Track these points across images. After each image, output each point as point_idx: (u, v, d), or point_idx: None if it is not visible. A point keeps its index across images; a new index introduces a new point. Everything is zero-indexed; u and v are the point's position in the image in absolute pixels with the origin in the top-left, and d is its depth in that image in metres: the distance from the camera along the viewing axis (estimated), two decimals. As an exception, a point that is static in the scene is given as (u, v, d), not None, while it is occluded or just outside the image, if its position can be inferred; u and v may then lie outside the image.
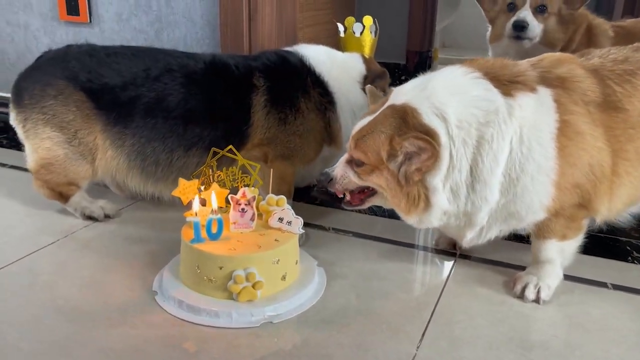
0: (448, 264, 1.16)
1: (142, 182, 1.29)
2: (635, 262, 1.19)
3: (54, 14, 1.81)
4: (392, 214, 1.37)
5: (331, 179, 1.07)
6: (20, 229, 1.27)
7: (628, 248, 1.25)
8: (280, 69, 1.30)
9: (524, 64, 1.04)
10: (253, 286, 0.95)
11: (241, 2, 1.52)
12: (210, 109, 1.26)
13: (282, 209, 1.05)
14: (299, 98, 1.29)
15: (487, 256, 1.20)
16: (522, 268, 1.15)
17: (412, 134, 0.94)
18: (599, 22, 1.64)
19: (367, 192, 1.07)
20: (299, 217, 1.04)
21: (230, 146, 1.12)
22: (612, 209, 1.06)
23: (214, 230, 0.99)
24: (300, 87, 1.30)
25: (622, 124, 1.00)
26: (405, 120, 0.97)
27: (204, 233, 0.99)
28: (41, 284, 1.06)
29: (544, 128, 0.96)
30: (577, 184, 0.98)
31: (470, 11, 4.58)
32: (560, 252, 1.05)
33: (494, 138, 0.95)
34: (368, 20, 1.66)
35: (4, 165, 1.67)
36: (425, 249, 1.23)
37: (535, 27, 1.55)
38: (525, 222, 1.02)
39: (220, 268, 0.95)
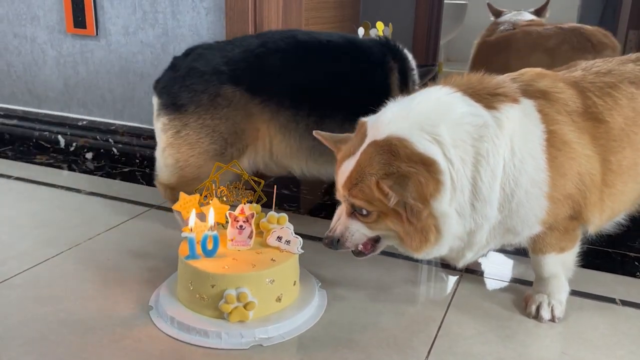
0: (454, 279, 1.15)
1: (307, 161, 1.29)
2: (644, 277, 1.18)
3: (60, 27, 1.82)
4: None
5: (338, 241, 0.98)
6: (25, 241, 1.27)
7: (636, 264, 1.24)
8: (397, 52, 1.38)
9: (503, 77, 1.02)
10: (245, 307, 0.93)
11: (247, 16, 1.53)
12: (357, 91, 1.27)
13: (281, 227, 1.03)
14: (408, 80, 1.37)
15: (493, 271, 1.19)
16: (529, 283, 1.14)
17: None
18: None
19: (374, 237, 1.00)
20: (298, 237, 1.02)
21: (235, 161, 1.12)
22: (604, 218, 1.04)
23: (210, 246, 0.98)
24: (407, 70, 1.38)
25: (604, 134, 0.99)
26: (396, 154, 0.91)
27: (199, 249, 0.97)
28: (45, 296, 1.05)
29: (534, 139, 0.94)
30: (568, 195, 0.96)
31: (474, 25, 4.61)
32: (562, 265, 1.04)
33: (489, 153, 0.92)
34: (380, 25, 1.70)
35: (8, 177, 1.68)
36: (430, 263, 1.22)
37: None
38: (522, 237, 1.00)
39: (212, 286, 0.94)
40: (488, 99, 0.96)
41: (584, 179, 0.96)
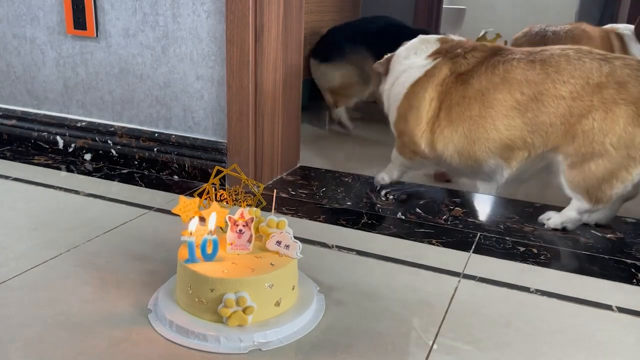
0: (452, 284, 1.16)
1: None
2: (640, 284, 1.19)
3: (60, 28, 1.82)
4: (396, 233, 1.37)
5: None
6: (23, 243, 1.27)
7: (633, 270, 1.25)
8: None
9: (459, 44, 1.53)
10: (244, 311, 0.93)
11: (247, 20, 1.53)
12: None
13: (280, 231, 1.03)
14: None
15: (491, 277, 1.19)
16: (527, 289, 1.14)
17: None
18: None
19: None
20: (297, 241, 1.02)
21: (235, 165, 1.12)
22: (436, 152, 1.49)
23: (209, 250, 0.98)
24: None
25: (460, 92, 1.43)
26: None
27: (198, 253, 0.98)
28: (43, 299, 1.05)
29: (408, 80, 1.51)
30: (405, 116, 1.51)
31: (471, 29, 4.63)
32: (395, 159, 1.64)
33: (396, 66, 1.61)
34: (498, 35, 2.12)
35: (7, 177, 1.67)
36: (428, 268, 1.22)
37: None
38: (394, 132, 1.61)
39: (212, 290, 0.94)
40: (438, 51, 1.53)
41: (420, 107, 1.47)
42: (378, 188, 1.67)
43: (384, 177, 1.67)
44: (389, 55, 1.67)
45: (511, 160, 1.42)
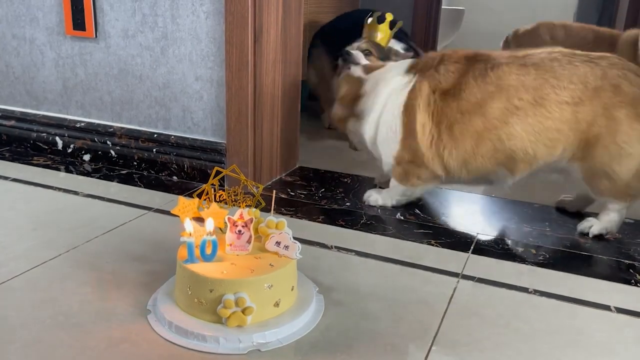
0: (451, 285, 1.16)
1: None
2: (639, 285, 1.19)
3: (60, 29, 1.82)
4: (395, 234, 1.37)
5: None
6: (22, 243, 1.27)
7: (631, 271, 1.25)
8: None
9: (431, 58, 1.45)
10: (243, 311, 0.93)
11: (247, 21, 1.53)
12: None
13: (280, 232, 1.03)
14: None
15: (490, 277, 1.19)
16: (526, 289, 1.15)
17: None
18: None
19: None
20: (297, 242, 1.02)
21: (234, 166, 1.12)
22: (451, 172, 1.43)
23: (208, 251, 0.98)
24: None
25: (455, 108, 1.36)
26: None
27: (197, 254, 0.98)
28: (42, 299, 1.05)
29: (397, 106, 1.43)
30: (409, 146, 1.42)
31: (470, 31, 4.64)
32: (395, 187, 1.53)
33: (379, 93, 1.50)
34: (389, 16, 2.04)
35: (6, 178, 1.67)
36: (427, 268, 1.23)
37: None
38: (384, 163, 1.52)
39: (211, 291, 0.94)
40: (413, 66, 1.47)
41: (424, 137, 1.39)
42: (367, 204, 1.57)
43: (378, 199, 1.56)
44: (364, 69, 1.59)
45: (516, 171, 1.38)
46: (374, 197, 1.56)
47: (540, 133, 1.31)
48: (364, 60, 1.82)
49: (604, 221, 1.40)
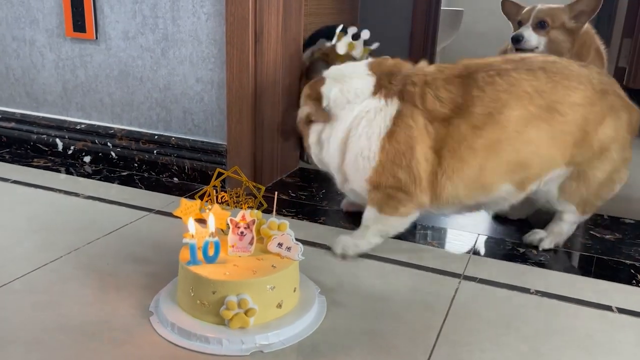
0: (452, 285, 1.16)
1: None
2: (640, 285, 1.19)
3: (60, 31, 1.82)
4: (396, 235, 1.37)
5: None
6: (23, 245, 1.27)
7: (632, 271, 1.25)
8: None
9: (405, 73, 1.28)
10: (245, 313, 0.93)
11: (247, 22, 1.53)
12: None
13: (282, 234, 1.04)
14: None
15: (491, 278, 1.20)
16: (527, 290, 1.15)
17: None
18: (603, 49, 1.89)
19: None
20: (299, 243, 1.02)
21: (236, 167, 1.12)
22: (441, 200, 1.26)
23: (211, 253, 0.98)
24: None
25: (463, 126, 1.22)
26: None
27: (200, 255, 0.98)
28: (44, 301, 1.05)
29: (375, 130, 1.24)
30: (393, 174, 1.23)
31: (469, 32, 4.64)
32: (375, 221, 1.28)
33: (344, 115, 1.28)
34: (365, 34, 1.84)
35: (6, 180, 1.67)
36: (429, 269, 1.23)
37: (532, 41, 1.80)
38: (356, 186, 1.31)
39: (213, 292, 0.94)
40: (381, 85, 1.27)
41: (412, 168, 1.22)
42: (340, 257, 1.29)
43: (348, 246, 1.28)
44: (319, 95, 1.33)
45: (525, 184, 1.27)
46: (344, 244, 1.28)
47: (555, 137, 1.23)
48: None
49: (554, 233, 1.36)
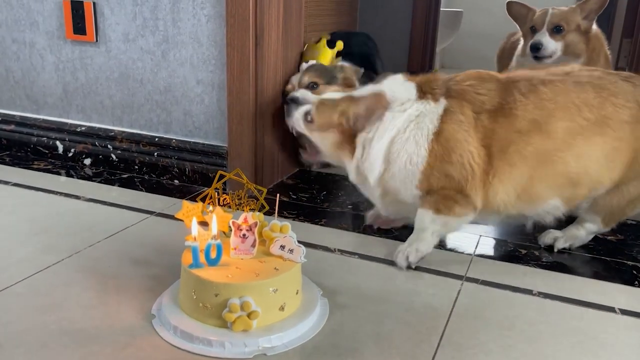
0: (455, 287, 1.16)
1: None
2: (642, 286, 1.19)
3: (60, 33, 1.82)
4: (398, 237, 1.37)
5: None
6: (24, 248, 1.26)
7: (635, 272, 1.25)
8: None
9: (442, 80, 1.28)
10: (248, 316, 0.93)
11: (248, 24, 1.53)
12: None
13: (284, 236, 1.03)
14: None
15: (494, 280, 1.19)
16: (529, 291, 1.15)
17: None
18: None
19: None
20: (301, 246, 1.02)
21: (238, 169, 1.12)
22: (492, 200, 1.23)
23: (213, 255, 0.98)
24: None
25: (507, 125, 1.20)
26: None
27: (202, 258, 0.97)
28: (46, 304, 1.04)
29: (424, 132, 1.22)
30: (445, 173, 1.21)
31: (469, 32, 4.65)
32: (431, 222, 1.24)
33: (388, 117, 1.24)
34: (325, 36, 1.91)
35: (6, 182, 1.67)
36: (431, 271, 1.22)
37: (550, 47, 1.78)
38: (404, 196, 1.27)
39: (216, 295, 0.94)
40: (424, 91, 1.26)
41: (465, 166, 1.19)
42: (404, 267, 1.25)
43: (409, 253, 1.25)
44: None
45: (573, 199, 1.25)
46: (400, 257, 1.24)
47: (606, 155, 1.20)
48: (312, 97, 1.48)
49: (569, 236, 1.35)
